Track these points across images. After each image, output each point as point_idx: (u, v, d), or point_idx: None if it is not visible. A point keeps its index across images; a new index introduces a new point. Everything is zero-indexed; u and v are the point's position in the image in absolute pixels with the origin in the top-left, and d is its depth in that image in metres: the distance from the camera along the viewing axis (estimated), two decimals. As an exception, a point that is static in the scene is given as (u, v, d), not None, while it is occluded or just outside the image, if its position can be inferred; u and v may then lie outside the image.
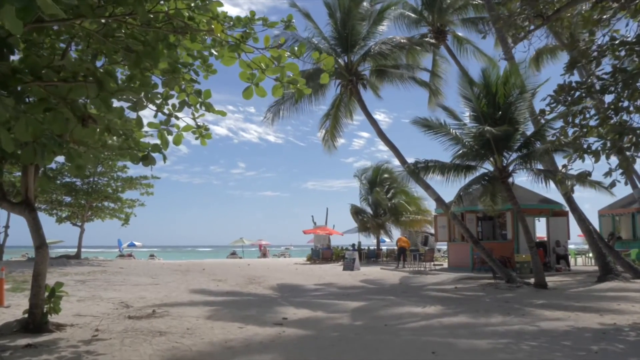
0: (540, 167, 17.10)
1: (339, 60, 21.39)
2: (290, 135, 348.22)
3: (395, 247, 31.81)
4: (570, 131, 10.35)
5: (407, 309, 11.84)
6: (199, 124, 8.07)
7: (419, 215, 34.10)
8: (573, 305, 12.25)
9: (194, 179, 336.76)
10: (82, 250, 32.01)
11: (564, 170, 10.72)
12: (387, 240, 39.72)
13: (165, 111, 7.70)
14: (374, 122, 20.15)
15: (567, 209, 23.50)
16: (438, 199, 18.95)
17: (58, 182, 29.96)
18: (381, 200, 33.41)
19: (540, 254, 20.66)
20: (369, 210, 35.78)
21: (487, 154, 16.70)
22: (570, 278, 19.37)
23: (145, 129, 7.37)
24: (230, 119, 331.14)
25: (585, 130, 10.31)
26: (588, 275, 20.02)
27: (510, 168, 16.78)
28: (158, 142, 7.56)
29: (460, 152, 17.13)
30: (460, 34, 25.34)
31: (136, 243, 49.16)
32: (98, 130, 6.84)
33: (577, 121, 10.52)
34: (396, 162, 20.62)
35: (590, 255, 26.85)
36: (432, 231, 36.22)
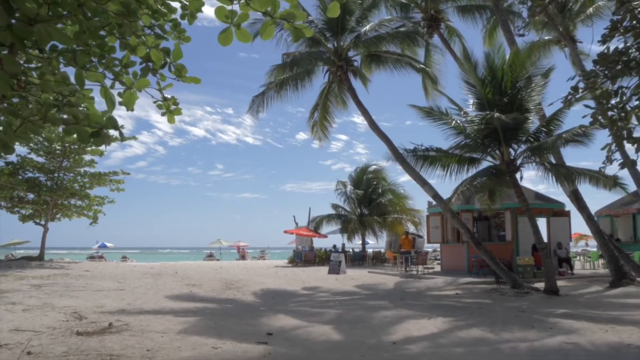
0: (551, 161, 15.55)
1: (328, 45, 19.62)
2: (268, 137, 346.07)
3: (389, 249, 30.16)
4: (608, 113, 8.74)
5: (411, 321, 10.13)
6: (166, 96, 6.27)
7: (406, 215, 32.50)
8: (600, 315, 10.70)
9: (172, 180, 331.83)
10: (52, 251, 29.78)
11: (607, 163, 9.12)
12: (371, 242, 38.15)
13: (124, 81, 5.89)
14: (365, 112, 18.43)
15: (568, 208, 22.28)
16: (436, 196, 17.28)
17: (20, 177, 27.68)
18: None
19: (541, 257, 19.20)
20: (354, 211, 34.15)
21: (493, 145, 15.08)
22: (576, 283, 17.91)
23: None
24: (207, 120, 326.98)
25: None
26: (594, 279, 18.61)
27: (519, 161, 15.16)
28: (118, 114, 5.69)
29: (463, 142, 15.46)
30: (454, 24, 23.88)
31: (108, 244, 46.54)
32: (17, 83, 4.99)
33: (613, 102, 8.97)
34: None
35: (590, 257, 25.57)
36: (419, 233, 34.81)
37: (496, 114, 13.09)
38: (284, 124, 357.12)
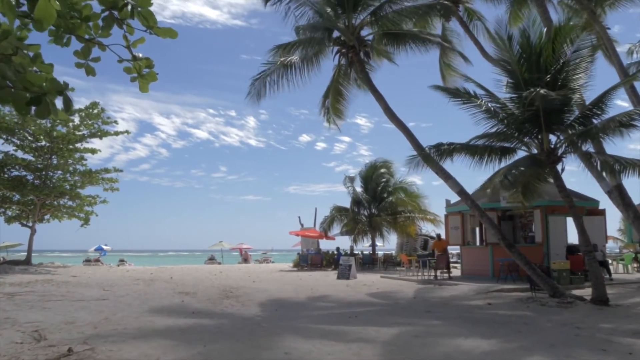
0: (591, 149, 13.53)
1: (339, 23, 17.61)
2: (271, 139, 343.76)
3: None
4: None
5: (449, 342, 8.14)
6: (136, 55, 4.34)
7: (420, 214, 30.46)
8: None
9: (176, 183, 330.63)
10: (50, 254, 27.95)
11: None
12: (379, 244, 36.12)
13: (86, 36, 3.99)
14: (380, 97, 16.36)
15: (602, 206, 20.26)
16: (461, 191, 15.27)
17: (6, 176, 25.81)
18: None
19: (579, 260, 17.22)
20: (364, 211, 32.12)
21: (532, 131, 13.04)
22: (620, 290, 15.95)
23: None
24: (210, 122, 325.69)
25: None
26: (638, 285, 16.60)
27: (560, 151, 13.10)
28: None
29: (496, 129, 13.43)
30: (474, 6, 21.88)
31: (104, 247, 44.58)
32: None
33: None
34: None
35: (622, 259, 23.48)
36: (432, 234, 32.78)
37: (541, 90, 11.03)
38: (287, 126, 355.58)
